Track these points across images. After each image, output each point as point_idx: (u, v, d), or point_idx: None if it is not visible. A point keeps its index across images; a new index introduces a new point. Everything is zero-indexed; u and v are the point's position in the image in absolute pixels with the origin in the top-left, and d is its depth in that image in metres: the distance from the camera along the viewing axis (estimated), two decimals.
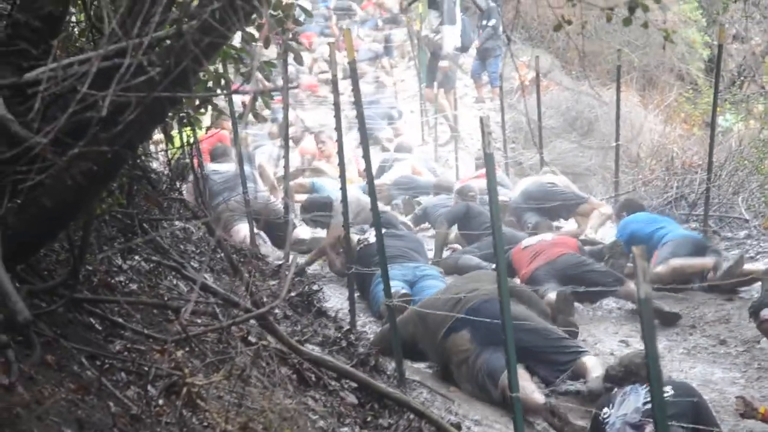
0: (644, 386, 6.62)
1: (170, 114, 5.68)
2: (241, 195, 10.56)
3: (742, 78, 24.54)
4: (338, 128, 7.96)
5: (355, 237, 10.26)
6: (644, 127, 19.72)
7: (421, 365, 8.28)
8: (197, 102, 5.84)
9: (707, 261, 10.77)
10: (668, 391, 6.47)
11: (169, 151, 5.85)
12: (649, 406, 6.40)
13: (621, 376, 6.90)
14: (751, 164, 14.87)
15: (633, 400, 6.55)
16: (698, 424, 6.49)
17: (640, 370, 6.73)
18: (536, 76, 16.05)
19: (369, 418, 6.01)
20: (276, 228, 11.32)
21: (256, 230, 10.77)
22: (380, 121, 19.98)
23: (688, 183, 14.29)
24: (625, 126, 17.45)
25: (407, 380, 7.26)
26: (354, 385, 6.24)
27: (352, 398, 6.10)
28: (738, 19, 24.53)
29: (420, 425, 6.08)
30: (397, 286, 9.22)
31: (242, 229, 11.00)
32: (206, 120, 6.75)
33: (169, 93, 3.65)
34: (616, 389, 6.84)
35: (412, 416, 6.16)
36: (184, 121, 6.03)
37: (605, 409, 6.64)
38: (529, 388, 7.35)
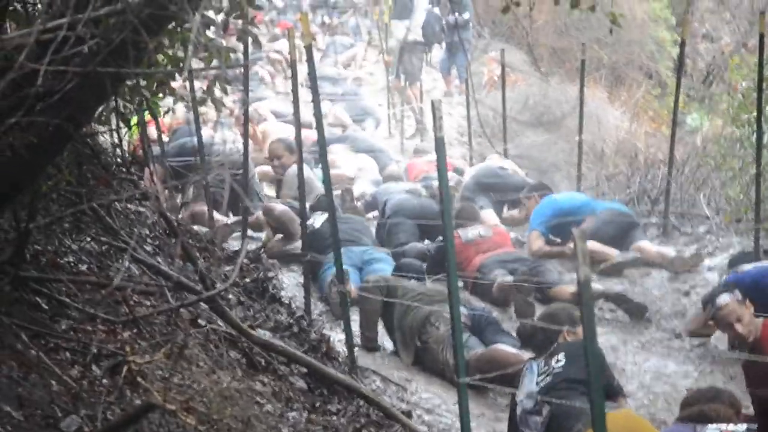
0: (539, 361, 6.64)
1: (128, 98, 5.64)
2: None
3: (711, 77, 24.64)
4: (296, 115, 7.94)
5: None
6: (610, 123, 19.75)
7: (376, 354, 8.28)
8: (155, 86, 5.78)
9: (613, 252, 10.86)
10: (561, 360, 6.49)
11: (121, 131, 5.81)
12: (542, 385, 6.42)
13: (531, 332, 7.03)
14: (714, 161, 14.90)
15: (527, 383, 6.52)
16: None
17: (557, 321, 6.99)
18: (502, 69, 16.01)
19: (318, 404, 6.00)
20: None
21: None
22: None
23: (650, 179, 14.31)
24: (592, 122, 17.46)
25: (360, 368, 7.26)
26: (304, 370, 6.24)
27: (301, 383, 6.10)
28: (708, 17, 24.67)
29: (369, 411, 6.09)
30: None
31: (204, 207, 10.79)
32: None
33: (112, 69, 3.63)
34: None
35: (361, 402, 6.17)
36: (143, 105, 5.97)
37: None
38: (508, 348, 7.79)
